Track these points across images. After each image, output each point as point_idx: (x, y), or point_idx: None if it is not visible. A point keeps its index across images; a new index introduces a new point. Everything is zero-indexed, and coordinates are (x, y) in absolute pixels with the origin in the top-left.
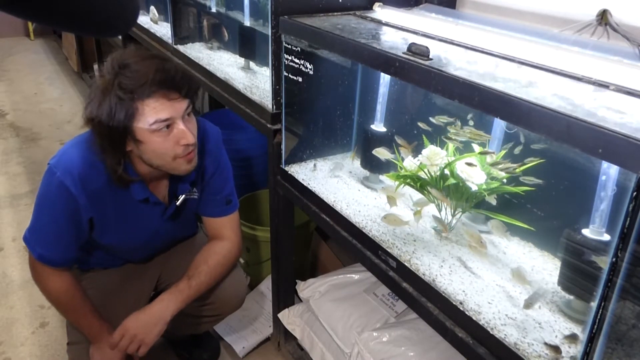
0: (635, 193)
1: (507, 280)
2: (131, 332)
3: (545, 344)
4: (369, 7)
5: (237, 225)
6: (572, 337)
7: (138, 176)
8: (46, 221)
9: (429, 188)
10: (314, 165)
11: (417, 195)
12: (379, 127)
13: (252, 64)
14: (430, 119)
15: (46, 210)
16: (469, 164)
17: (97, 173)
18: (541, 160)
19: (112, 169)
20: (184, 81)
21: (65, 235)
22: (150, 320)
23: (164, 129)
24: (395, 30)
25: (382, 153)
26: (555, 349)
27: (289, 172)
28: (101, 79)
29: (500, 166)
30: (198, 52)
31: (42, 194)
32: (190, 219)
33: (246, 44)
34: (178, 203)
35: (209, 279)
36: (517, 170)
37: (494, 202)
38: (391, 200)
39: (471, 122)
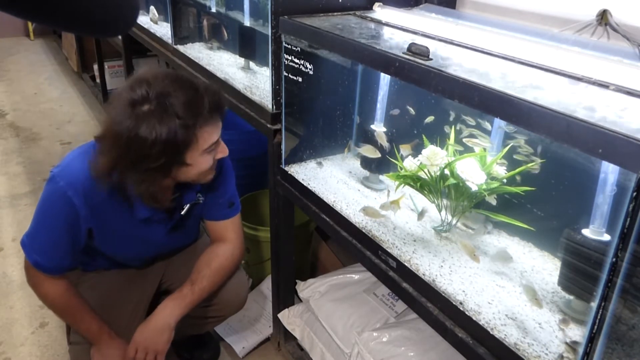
0: (635, 193)
1: (507, 280)
2: (142, 345)
3: (566, 343)
4: (369, 7)
5: (239, 228)
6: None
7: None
8: (45, 230)
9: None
10: (319, 163)
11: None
12: (378, 127)
13: (252, 64)
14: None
15: (46, 219)
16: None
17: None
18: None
19: (131, 189)
20: (223, 102)
21: (63, 245)
22: (156, 330)
23: (213, 149)
24: (395, 30)
25: (368, 151)
26: (574, 349)
27: (289, 172)
28: (141, 106)
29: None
30: (198, 52)
31: (43, 202)
32: (194, 225)
33: (246, 44)
34: (183, 212)
35: (212, 283)
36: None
37: (494, 202)
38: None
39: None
